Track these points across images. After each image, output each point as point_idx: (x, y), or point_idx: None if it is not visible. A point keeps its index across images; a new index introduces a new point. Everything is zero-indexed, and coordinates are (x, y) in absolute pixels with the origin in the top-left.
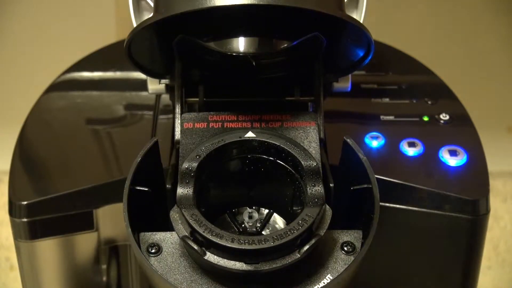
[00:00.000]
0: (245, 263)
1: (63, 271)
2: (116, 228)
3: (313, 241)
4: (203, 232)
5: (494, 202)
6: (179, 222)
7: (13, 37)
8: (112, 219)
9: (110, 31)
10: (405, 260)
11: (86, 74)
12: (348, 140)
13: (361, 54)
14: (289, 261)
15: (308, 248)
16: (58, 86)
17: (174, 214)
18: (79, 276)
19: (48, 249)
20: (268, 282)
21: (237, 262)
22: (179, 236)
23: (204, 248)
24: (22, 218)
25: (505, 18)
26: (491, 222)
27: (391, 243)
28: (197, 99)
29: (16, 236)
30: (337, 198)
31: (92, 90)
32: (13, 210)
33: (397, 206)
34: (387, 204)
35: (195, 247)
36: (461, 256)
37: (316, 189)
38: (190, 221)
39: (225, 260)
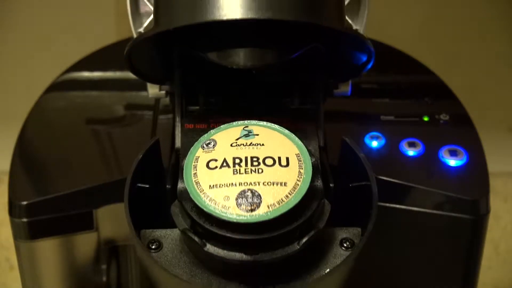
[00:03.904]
0: (245, 253)
1: (63, 271)
2: (116, 228)
3: (312, 233)
4: (203, 223)
5: (494, 202)
6: (179, 215)
7: (13, 37)
8: (112, 219)
9: (110, 31)
10: (405, 260)
11: (86, 74)
12: (346, 139)
13: (362, 60)
14: (288, 252)
15: (307, 240)
16: (58, 86)
17: (174, 208)
18: (79, 276)
19: (48, 249)
20: (267, 274)
21: (236, 253)
22: (179, 229)
23: (204, 240)
24: (22, 218)
25: (506, 16)
26: (491, 222)
27: (391, 243)
28: (197, 107)
29: (16, 236)
30: (336, 197)
31: (92, 90)
32: (13, 210)
33: (397, 206)
34: (387, 204)
35: (196, 239)
36: (461, 256)
37: (315, 184)
38: (191, 213)
39: (225, 251)
